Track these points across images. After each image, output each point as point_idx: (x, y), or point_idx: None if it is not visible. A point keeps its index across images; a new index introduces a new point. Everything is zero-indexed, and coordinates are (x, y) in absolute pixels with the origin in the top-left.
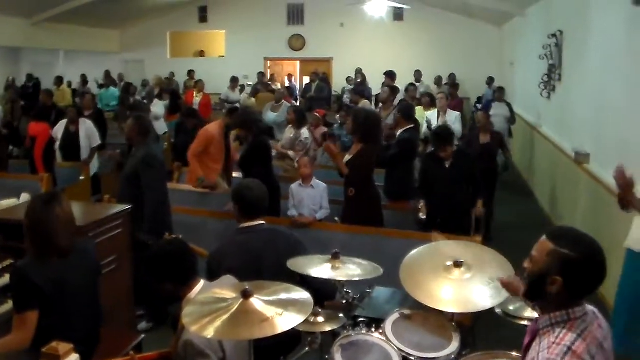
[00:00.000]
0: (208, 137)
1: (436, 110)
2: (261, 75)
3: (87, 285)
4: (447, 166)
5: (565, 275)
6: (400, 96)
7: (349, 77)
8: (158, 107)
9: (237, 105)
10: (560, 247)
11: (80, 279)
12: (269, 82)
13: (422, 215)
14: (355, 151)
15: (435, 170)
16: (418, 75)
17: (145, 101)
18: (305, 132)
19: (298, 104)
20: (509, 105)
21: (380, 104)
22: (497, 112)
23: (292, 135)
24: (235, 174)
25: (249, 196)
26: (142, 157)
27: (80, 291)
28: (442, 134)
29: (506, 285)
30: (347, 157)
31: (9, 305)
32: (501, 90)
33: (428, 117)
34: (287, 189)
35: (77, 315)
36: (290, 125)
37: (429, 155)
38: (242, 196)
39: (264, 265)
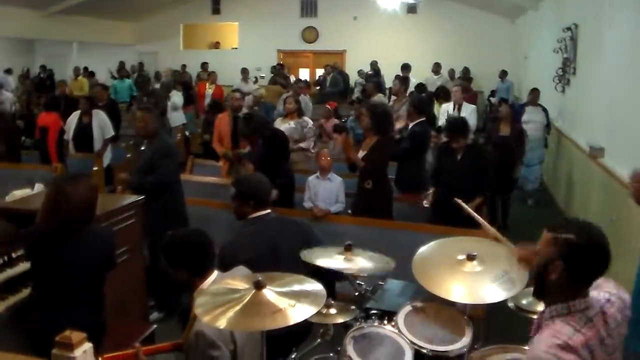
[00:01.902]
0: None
1: (452, 103)
2: (279, 67)
3: (90, 271)
4: (458, 158)
5: (565, 258)
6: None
7: (360, 70)
8: (177, 97)
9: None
10: (559, 233)
11: (83, 264)
12: (287, 75)
13: (426, 203)
14: (369, 144)
15: (446, 161)
16: (437, 67)
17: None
18: (307, 119)
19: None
20: (545, 110)
21: (393, 97)
22: (532, 117)
23: (293, 125)
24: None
25: (261, 188)
26: (159, 147)
27: (85, 276)
28: (456, 124)
29: (523, 257)
30: (362, 152)
31: (24, 293)
32: (535, 92)
33: (444, 110)
34: (300, 181)
35: (79, 300)
36: (282, 117)
37: (442, 146)
38: (255, 189)
39: (281, 250)
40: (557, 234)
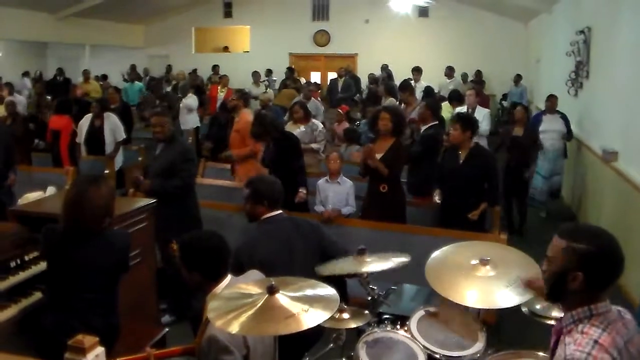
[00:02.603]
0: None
1: (465, 106)
2: (290, 70)
3: (106, 274)
4: (461, 162)
5: (585, 269)
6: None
7: (371, 73)
8: (191, 100)
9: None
10: (574, 242)
11: (99, 266)
12: (298, 78)
13: (437, 198)
14: (385, 146)
15: (449, 163)
16: (450, 71)
17: (179, 95)
18: (317, 122)
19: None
20: (564, 117)
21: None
22: (550, 126)
23: (303, 129)
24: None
25: (275, 189)
26: (180, 151)
27: (98, 278)
28: (466, 118)
29: (529, 284)
30: (377, 155)
31: (36, 296)
32: (553, 99)
33: (452, 116)
34: (312, 185)
35: (93, 302)
36: (292, 122)
37: (448, 148)
38: (269, 189)
39: (295, 249)
40: (571, 242)
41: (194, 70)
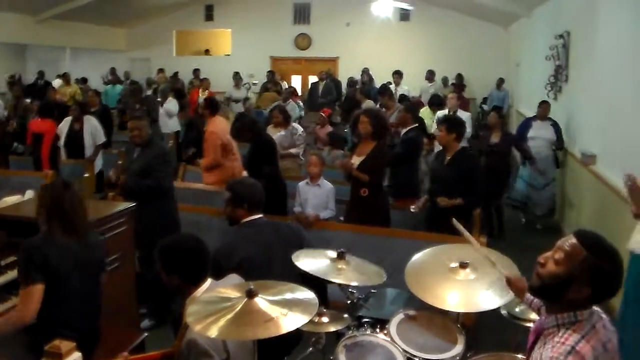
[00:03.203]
0: (219, 138)
1: (446, 110)
2: (271, 73)
3: (90, 277)
4: (446, 163)
5: (596, 286)
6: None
7: (350, 77)
8: (172, 104)
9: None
10: (596, 256)
11: (80, 268)
12: (278, 81)
13: (413, 208)
14: (366, 150)
15: (435, 165)
16: (430, 74)
17: (159, 98)
18: (296, 126)
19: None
20: (555, 124)
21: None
22: (539, 133)
23: (283, 133)
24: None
25: (256, 192)
26: (157, 153)
27: (83, 281)
28: (451, 120)
29: (512, 283)
30: (358, 159)
31: (13, 302)
32: (545, 105)
33: (438, 116)
34: (292, 188)
35: (78, 306)
36: (273, 126)
37: (438, 152)
38: (250, 192)
39: (274, 252)
40: (594, 256)
41: (175, 74)
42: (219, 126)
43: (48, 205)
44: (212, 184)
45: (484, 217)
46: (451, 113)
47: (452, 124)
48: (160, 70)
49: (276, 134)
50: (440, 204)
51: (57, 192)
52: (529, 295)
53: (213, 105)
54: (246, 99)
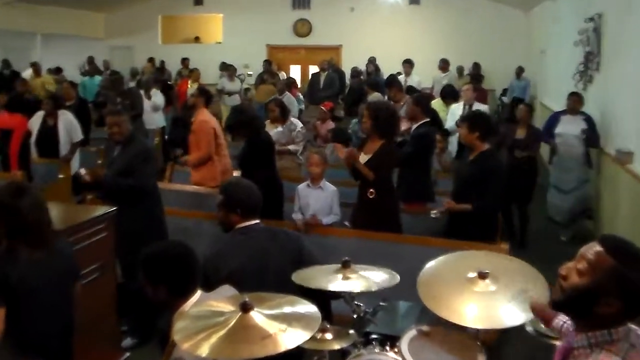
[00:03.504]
0: (211, 127)
1: (461, 103)
2: (268, 63)
3: (60, 290)
4: (467, 162)
5: (627, 300)
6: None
7: (354, 67)
8: (158, 97)
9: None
10: (625, 266)
11: (52, 282)
12: (276, 72)
13: (435, 214)
14: (373, 148)
15: (458, 164)
16: (444, 64)
17: (141, 90)
18: (295, 121)
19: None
20: (588, 119)
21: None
22: (568, 129)
23: (281, 129)
24: (235, 173)
25: (252, 195)
26: (138, 151)
27: (52, 295)
28: (473, 117)
29: (537, 310)
30: (365, 157)
31: None
32: (575, 97)
33: (453, 111)
34: (290, 190)
35: (47, 322)
36: (268, 122)
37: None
38: (245, 195)
39: (270, 261)
40: (622, 266)
41: (161, 64)
42: (208, 117)
43: (4, 218)
44: (199, 182)
45: (505, 220)
46: (466, 107)
47: (474, 122)
48: (150, 60)
49: (272, 131)
50: (445, 206)
51: (12, 202)
52: (557, 321)
53: (207, 95)
54: (247, 89)
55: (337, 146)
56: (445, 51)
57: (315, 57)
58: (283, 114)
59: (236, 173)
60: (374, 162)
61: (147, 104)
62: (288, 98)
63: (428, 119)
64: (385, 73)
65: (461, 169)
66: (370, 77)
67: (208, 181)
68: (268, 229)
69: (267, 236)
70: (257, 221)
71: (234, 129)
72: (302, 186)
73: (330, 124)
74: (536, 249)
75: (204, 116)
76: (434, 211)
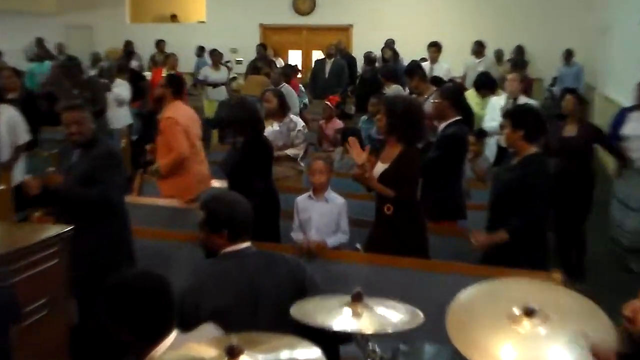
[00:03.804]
0: (179, 124)
1: (503, 96)
2: (262, 47)
3: None
4: (509, 167)
5: None
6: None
7: (368, 52)
8: (123, 89)
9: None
10: None
11: None
12: (273, 59)
13: (474, 241)
14: (392, 155)
15: (498, 169)
16: (478, 47)
17: (103, 80)
18: (295, 119)
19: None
20: None
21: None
22: (636, 130)
23: (278, 127)
24: (216, 184)
25: (241, 212)
26: (101, 154)
27: None
28: (518, 112)
29: (598, 355)
30: (382, 166)
31: None
32: None
33: (492, 105)
34: (288, 203)
35: None
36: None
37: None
38: (232, 213)
39: (262, 297)
40: None
41: (128, 46)
42: (181, 112)
43: None
44: (170, 194)
45: (558, 247)
46: (510, 100)
47: (519, 117)
48: (127, 44)
49: (267, 129)
50: (474, 244)
51: None
52: None
53: (177, 84)
54: (232, 78)
55: (352, 142)
56: (480, 32)
57: (319, 40)
58: (282, 108)
59: (217, 183)
60: (392, 173)
61: (109, 97)
62: (286, 90)
63: (459, 117)
64: (406, 60)
65: (500, 176)
66: (388, 64)
67: (182, 193)
68: (262, 253)
69: (260, 263)
70: (248, 244)
71: (231, 128)
72: (302, 198)
73: (338, 123)
74: (597, 280)
75: (171, 111)
76: (475, 239)
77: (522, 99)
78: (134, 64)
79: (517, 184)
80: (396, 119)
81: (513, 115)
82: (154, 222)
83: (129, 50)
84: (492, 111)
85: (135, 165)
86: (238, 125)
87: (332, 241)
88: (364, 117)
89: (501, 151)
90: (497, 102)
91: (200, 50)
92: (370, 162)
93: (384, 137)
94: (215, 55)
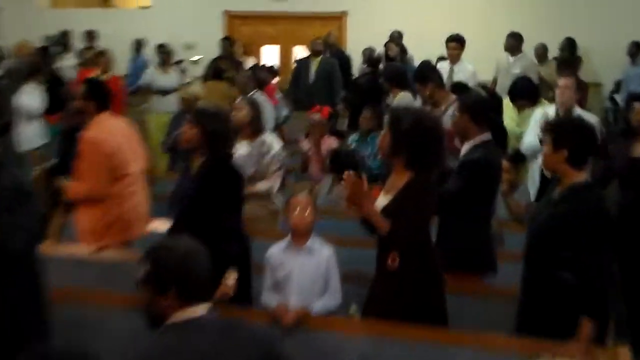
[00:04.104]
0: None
1: (551, 108)
2: (227, 42)
3: None
4: (551, 201)
5: None
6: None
7: (367, 48)
8: (33, 98)
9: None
10: None
11: None
12: (239, 58)
13: None
14: (397, 185)
15: (537, 207)
16: (514, 41)
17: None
18: (269, 140)
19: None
20: None
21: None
22: None
23: (249, 150)
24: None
25: (194, 266)
26: (8, 188)
27: None
28: (562, 125)
29: None
30: (383, 199)
31: None
32: None
33: (537, 118)
34: (261, 253)
35: None
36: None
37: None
38: (183, 266)
39: None
40: None
41: (66, 35)
42: (107, 129)
43: None
44: (85, 231)
45: (626, 310)
46: (561, 112)
47: (561, 133)
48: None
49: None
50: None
51: None
52: None
53: (99, 93)
54: (187, 84)
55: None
56: (515, 22)
57: (302, 33)
58: (256, 122)
59: (160, 224)
60: (395, 205)
61: (17, 108)
62: (258, 100)
63: (489, 135)
64: (417, 59)
65: (538, 214)
66: (393, 64)
67: (101, 232)
68: (223, 324)
69: (216, 341)
70: (205, 309)
71: (201, 145)
72: (276, 249)
73: (331, 142)
74: None
75: (94, 130)
76: None
77: (578, 113)
78: (70, 62)
79: (559, 223)
80: (403, 137)
81: (555, 129)
82: (79, 280)
83: (63, 42)
84: (535, 127)
85: (53, 202)
86: (211, 143)
87: (318, 306)
88: (354, 136)
89: (546, 181)
90: (544, 113)
91: (139, 44)
92: (370, 195)
93: (387, 161)
94: (164, 53)
